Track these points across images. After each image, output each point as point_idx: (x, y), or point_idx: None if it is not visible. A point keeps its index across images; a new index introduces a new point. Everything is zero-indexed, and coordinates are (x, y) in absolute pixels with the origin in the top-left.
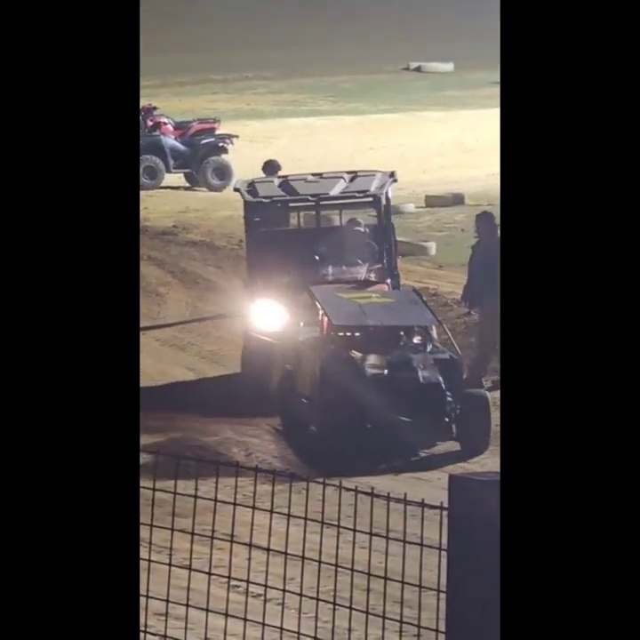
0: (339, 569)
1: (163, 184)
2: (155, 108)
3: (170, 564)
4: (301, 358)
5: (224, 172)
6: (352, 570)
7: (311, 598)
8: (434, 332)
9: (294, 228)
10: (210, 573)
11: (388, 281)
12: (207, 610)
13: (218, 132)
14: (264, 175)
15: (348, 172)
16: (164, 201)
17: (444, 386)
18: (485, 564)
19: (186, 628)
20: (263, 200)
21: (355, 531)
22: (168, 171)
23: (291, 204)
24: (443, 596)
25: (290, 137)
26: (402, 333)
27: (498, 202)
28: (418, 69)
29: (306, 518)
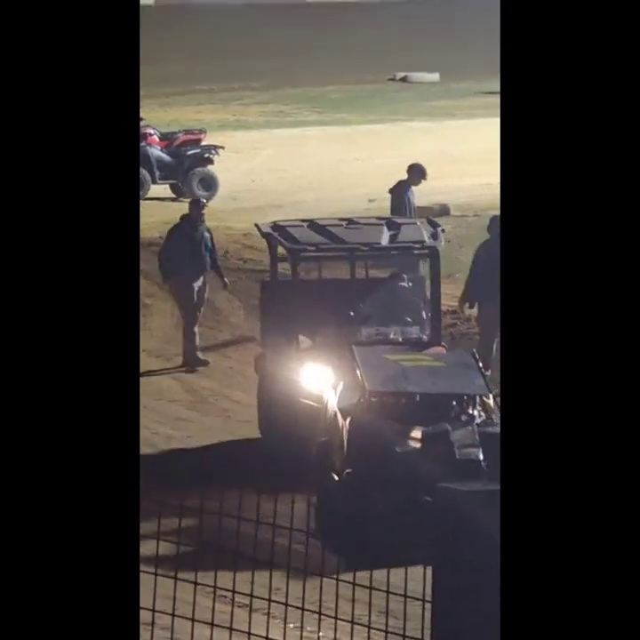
0: (324, 579)
1: (148, 195)
2: (140, 119)
3: (155, 574)
4: (335, 428)
5: (210, 183)
6: (337, 580)
7: (297, 608)
8: (491, 401)
9: (324, 278)
10: (196, 583)
11: (443, 343)
12: (193, 619)
13: (203, 142)
14: (407, 176)
15: (378, 218)
16: (149, 212)
17: (483, 464)
18: (471, 574)
19: (172, 638)
20: (308, 248)
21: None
22: (154, 182)
23: (338, 254)
24: (428, 605)
25: (275, 148)
26: (454, 402)
27: (483, 212)
28: (404, 79)
29: (291, 528)
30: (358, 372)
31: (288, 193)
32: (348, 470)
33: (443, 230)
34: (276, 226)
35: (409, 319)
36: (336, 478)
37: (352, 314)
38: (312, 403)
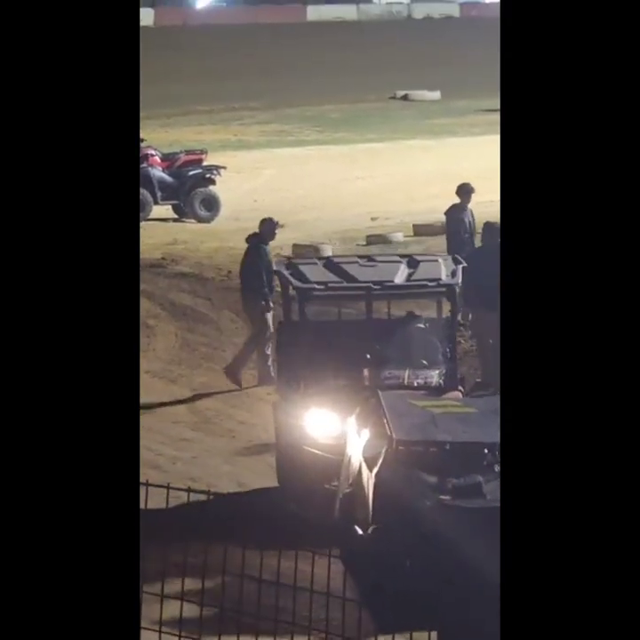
0: (330, 598)
1: (150, 216)
2: (142, 140)
3: (162, 595)
4: (360, 479)
5: (212, 204)
6: (344, 599)
7: (304, 627)
8: None
9: (339, 319)
10: (202, 604)
11: (460, 388)
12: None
13: (205, 163)
14: (458, 199)
15: (401, 256)
16: (151, 233)
17: None
18: (476, 591)
19: None
20: (316, 286)
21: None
22: (156, 202)
23: (348, 292)
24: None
25: (277, 167)
26: (486, 451)
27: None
28: (405, 98)
29: (297, 549)
30: (385, 419)
31: (291, 212)
32: (373, 526)
33: (464, 268)
34: (289, 263)
35: (424, 362)
36: (360, 532)
37: (369, 356)
38: (330, 455)
